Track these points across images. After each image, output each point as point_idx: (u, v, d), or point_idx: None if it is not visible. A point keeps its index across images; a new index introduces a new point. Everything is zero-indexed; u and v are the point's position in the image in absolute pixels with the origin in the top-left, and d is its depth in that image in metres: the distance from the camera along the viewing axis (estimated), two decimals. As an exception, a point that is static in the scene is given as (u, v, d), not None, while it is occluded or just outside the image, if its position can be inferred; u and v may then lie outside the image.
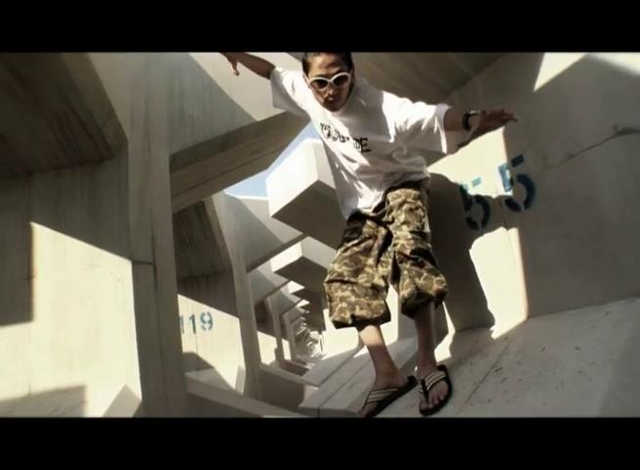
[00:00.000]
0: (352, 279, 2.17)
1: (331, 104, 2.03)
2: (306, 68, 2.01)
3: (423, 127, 1.93)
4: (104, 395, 2.34)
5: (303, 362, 17.96)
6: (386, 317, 2.20)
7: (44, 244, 2.69)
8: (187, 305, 6.69)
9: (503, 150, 2.30)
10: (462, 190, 2.52)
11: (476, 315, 2.42)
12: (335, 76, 1.94)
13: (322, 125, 2.23)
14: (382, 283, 2.21)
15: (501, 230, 2.31)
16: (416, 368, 2.12)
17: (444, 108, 1.91)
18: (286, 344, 17.60)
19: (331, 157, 2.34)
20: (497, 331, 2.25)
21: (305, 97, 2.23)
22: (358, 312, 2.12)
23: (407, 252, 2.03)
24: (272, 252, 8.39)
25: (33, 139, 2.55)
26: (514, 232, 2.25)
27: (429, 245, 2.11)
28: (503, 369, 1.85)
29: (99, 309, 2.55)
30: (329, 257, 10.28)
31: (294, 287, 13.62)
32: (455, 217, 2.55)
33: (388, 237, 2.27)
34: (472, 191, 2.46)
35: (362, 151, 2.14)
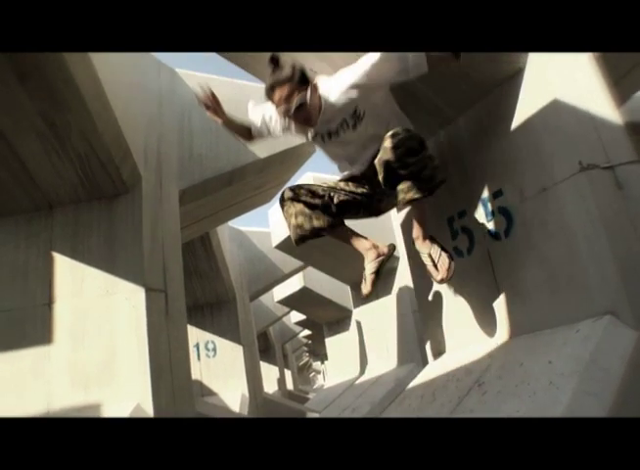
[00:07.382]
0: (305, 199, 2.19)
1: (307, 124, 2.11)
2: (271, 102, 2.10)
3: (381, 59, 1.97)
4: (118, 412, 2.50)
5: (306, 392, 17.84)
6: (342, 222, 2.28)
7: (64, 272, 2.89)
8: (191, 333, 6.67)
9: (485, 184, 2.52)
10: (449, 221, 2.73)
11: (463, 337, 2.60)
12: (294, 108, 2.00)
13: (312, 138, 2.28)
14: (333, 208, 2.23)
15: (484, 257, 2.50)
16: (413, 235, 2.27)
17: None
18: (288, 373, 17.51)
19: (327, 153, 2.39)
20: (482, 350, 2.42)
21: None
22: (316, 223, 2.16)
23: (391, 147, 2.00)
24: (274, 281, 8.48)
25: (57, 176, 2.79)
26: (496, 259, 2.45)
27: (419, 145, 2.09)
28: (485, 383, 2.02)
29: (114, 333, 2.73)
30: (331, 287, 10.27)
31: (296, 317, 13.62)
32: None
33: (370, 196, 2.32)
34: (458, 222, 2.67)
35: (357, 120, 2.13)
